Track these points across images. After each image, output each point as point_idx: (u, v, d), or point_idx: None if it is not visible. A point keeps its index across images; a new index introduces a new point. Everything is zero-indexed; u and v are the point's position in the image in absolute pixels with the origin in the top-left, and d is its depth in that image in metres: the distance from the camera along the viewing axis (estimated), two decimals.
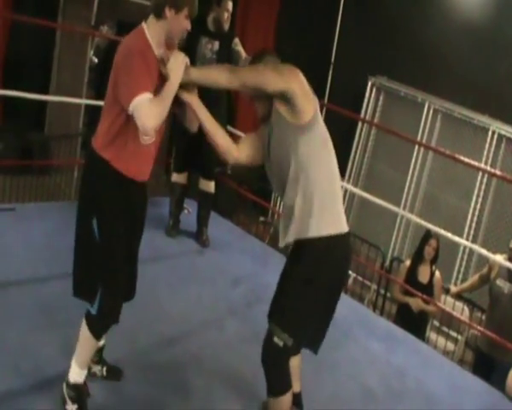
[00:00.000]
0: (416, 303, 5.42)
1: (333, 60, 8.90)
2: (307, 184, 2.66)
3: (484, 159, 7.41)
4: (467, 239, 7.24)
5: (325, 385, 3.63)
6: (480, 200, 7.50)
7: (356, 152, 8.65)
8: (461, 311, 6.20)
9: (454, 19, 7.77)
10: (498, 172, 6.43)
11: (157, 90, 2.58)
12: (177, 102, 2.70)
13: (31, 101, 5.40)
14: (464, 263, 7.53)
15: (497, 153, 7.42)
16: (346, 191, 7.92)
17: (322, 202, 2.68)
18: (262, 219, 8.84)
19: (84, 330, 2.79)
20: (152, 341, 3.62)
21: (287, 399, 2.78)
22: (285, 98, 2.63)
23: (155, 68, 2.61)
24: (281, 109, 2.67)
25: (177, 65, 2.62)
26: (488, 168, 6.90)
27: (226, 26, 4.84)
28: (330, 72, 8.91)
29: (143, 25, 2.66)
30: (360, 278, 7.24)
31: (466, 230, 7.51)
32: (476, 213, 7.52)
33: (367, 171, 8.66)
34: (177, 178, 5.17)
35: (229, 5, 4.81)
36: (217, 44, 4.83)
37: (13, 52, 7.12)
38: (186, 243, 5.13)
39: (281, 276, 2.84)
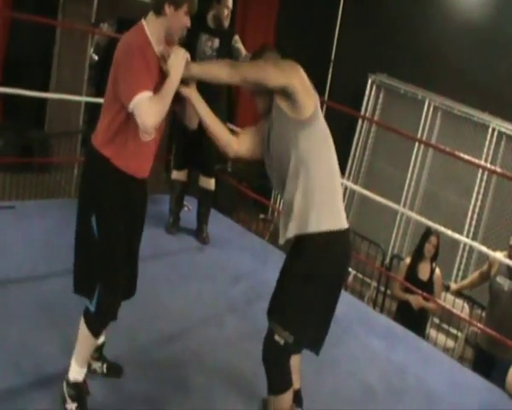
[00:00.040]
0: (416, 300, 5.43)
1: (333, 57, 8.90)
2: (307, 179, 2.65)
3: (484, 156, 7.41)
4: (467, 236, 7.23)
5: (325, 382, 3.63)
6: (480, 197, 7.50)
7: (356, 149, 8.65)
8: (461, 308, 6.20)
9: (454, 16, 7.77)
10: (498, 170, 6.42)
11: (157, 87, 2.58)
12: (178, 99, 2.69)
13: (31, 98, 5.41)
14: (464, 260, 7.53)
15: (497, 150, 7.42)
16: (346, 189, 7.93)
17: (322, 197, 2.68)
18: (262, 216, 8.84)
19: (83, 328, 2.79)
20: (152, 338, 3.62)
21: (287, 397, 2.78)
22: (286, 94, 2.63)
23: (155, 65, 2.61)
24: (281, 104, 2.66)
25: (178, 61, 2.62)
26: (488, 166, 6.89)
27: (226, 24, 4.84)
28: (330, 69, 8.90)
29: (143, 21, 2.66)
30: (360, 276, 7.25)
31: (466, 227, 7.51)
32: (476, 210, 7.52)
33: (367, 168, 8.65)
34: (177, 175, 5.17)
35: (229, 2, 4.80)
36: (217, 42, 4.82)
37: (13, 50, 7.11)
38: (186, 241, 5.13)
39: (280, 272, 2.83)
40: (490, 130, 7.40)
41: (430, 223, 5.26)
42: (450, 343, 6.37)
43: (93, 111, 6.92)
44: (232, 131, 2.93)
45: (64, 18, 7.52)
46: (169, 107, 2.61)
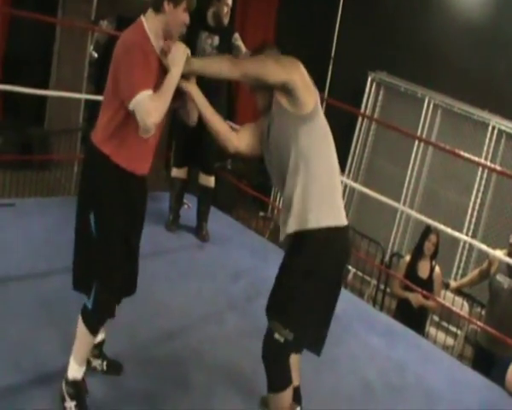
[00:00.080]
0: (415, 298, 5.43)
1: (333, 55, 8.89)
2: (307, 175, 2.65)
3: (484, 154, 7.41)
4: (467, 234, 7.24)
5: (325, 380, 3.64)
6: (479, 195, 7.50)
7: (356, 147, 8.65)
8: (460, 306, 6.20)
9: (454, 14, 7.77)
10: (498, 168, 6.43)
11: (157, 84, 2.58)
12: (178, 94, 2.69)
13: (31, 96, 5.40)
14: (464, 258, 7.53)
15: (496, 148, 7.42)
16: (345, 186, 7.93)
17: (322, 193, 2.68)
18: (262, 214, 8.84)
19: (81, 326, 2.79)
20: (152, 335, 3.62)
21: (287, 395, 2.78)
22: (286, 90, 2.63)
23: (155, 61, 2.61)
24: (282, 100, 2.66)
25: (179, 56, 2.62)
26: (488, 163, 6.88)
27: (226, 21, 4.83)
28: (330, 67, 8.89)
29: (142, 19, 2.67)
30: (360, 273, 7.25)
31: (466, 225, 7.52)
32: (476, 208, 7.53)
33: (367, 166, 8.65)
34: (176, 172, 5.17)
35: None
36: (217, 39, 4.82)
37: (13, 47, 7.11)
38: (186, 238, 5.13)
39: (279, 269, 2.80)
40: (490, 128, 7.40)
41: (430, 221, 5.26)
42: (450, 341, 6.37)
43: (93, 108, 6.91)
44: (232, 129, 2.93)
45: (64, 15, 7.53)
46: (169, 103, 2.61)
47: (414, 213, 6.33)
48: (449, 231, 5.02)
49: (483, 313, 5.61)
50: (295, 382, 2.96)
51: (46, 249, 4.20)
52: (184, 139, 4.99)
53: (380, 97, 8.47)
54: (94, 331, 2.82)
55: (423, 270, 5.54)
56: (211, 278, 4.54)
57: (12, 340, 3.18)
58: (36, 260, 4.04)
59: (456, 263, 7.54)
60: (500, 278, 4.93)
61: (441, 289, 5.76)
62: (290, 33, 8.75)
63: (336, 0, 8.72)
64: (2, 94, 6.66)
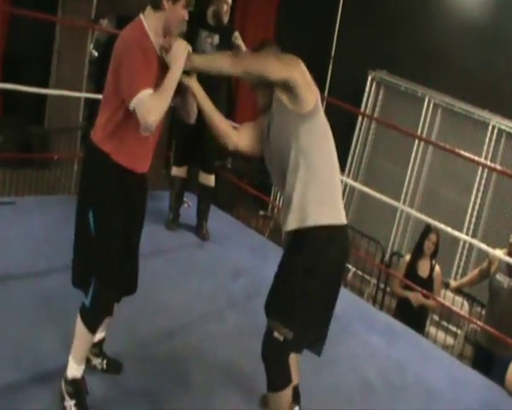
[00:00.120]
0: (415, 298, 5.43)
1: (333, 54, 8.89)
2: (307, 173, 2.64)
3: (484, 153, 7.41)
4: (467, 234, 7.24)
5: (325, 379, 3.63)
6: (479, 194, 7.50)
7: (356, 146, 8.65)
8: (460, 305, 6.21)
9: (454, 13, 7.76)
10: (498, 167, 6.43)
11: (158, 81, 2.58)
12: (179, 90, 2.68)
13: (30, 94, 5.40)
14: (464, 258, 7.53)
15: (497, 148, 7.42)
16: (345, 185, 7.93)
17: (322, 191, 2.67)
18: (262, 212, 8.84)
19: (79, 325, 2.79)
20: (152, 334, 3.62)
21: (286, 394, 2.77)
22: (287, 87, 2.62)
23: (155, 59, 2.61)
24: (282, 98, 2.66)
25: (180, 53, 2.62)
26: (488, 163, 6.89)
27: (225, 19, 4.82)
28: (330, 66, 8.89)
29: (141, 17, 2.66)
30: (360, 273, 7.24)
31: (466, 224, 7.52)
32: (476, 207, 7.52)
33: (367, 165, 8.65)
34: (176, 171, 5.16)
35: None
36: (217, 38, 4.81)
37: (13, 46, 7.11)
38: (186, 237, 5.13)
39: (279, 267, 2.79)
40: (490, 127, 7.40)
41: (430, 220, 5.27)
42: (450, 341, 6.38)
43: (93, 107, 6.93)
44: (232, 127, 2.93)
45: (64, 14, 7.52)
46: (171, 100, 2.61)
47: (414, 213, 6.34)
48: (449, 230, 5.03)
49: (483, 312, 5.61)
50: (294, 381, 2.95)
51: (46, 248, 4.20)
52: (184, 138, 4.99)
53: (380, 96, 8.47)
54: (92, 330, 2.82)
55: (423, 269, 5.54)
56: (211, 277, 4.54)
57: (12, 338, 3.18)
58: (36, 259, 4.04)
59: (456, 262, 7.53)
60: (500, 277, 4.93)
61: (441, 289, 5.76)
62: (290, 32, 8.74)
63: None
64: (2, 92, 6.67)
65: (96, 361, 3.12)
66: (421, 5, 7.96)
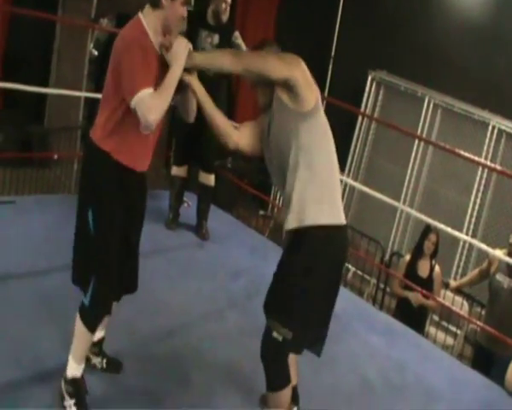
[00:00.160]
0: (415, 298, 5.43)
1: (333, 54, 8.89)
2: (307, 172, 2.64)
3: (484, 154, 7.41)
4: (466, 234, 7.24)
5: (324, 379, 3.63)
6: (479, 195, 7.51)
7: (356, 146, 8.65)
8: (460, 306, 6.20)
9: (454, 13, 7.76)
10: (498, 167, 6.43)
11: (158, 80, 2.58)
12: (179, 88, 2.68)
13: (30, 93, 5.40)
14: (464, 258, 7.53)
15: (497, 148, 7.42)
16: (345, 185, 7.94)
17: (322, 191, 2.67)
18: (262, 212, 8.85)
19: (79, 324, 2.79)
20: (152, 333, 3.62)
21: (286, 393, 2.77)
22: (287, 86, 2.62)
23: (154, 58, 2.61)
24: (283, 96, 2.66)
25: (181, 51, 2.61)
26: (488, 163, 6.89)
27: (225, 18, 4.80)
28: (330, 66, 8.89)
29: (140, 15, 2.66)
30: (360, 272, 7.25)
31: (466, 224, 7.52)
32: (476, 207, 7.53)
33: (367, 165, 8.65)
34: (176, 171, 5.16)
35: None
36: (216, 38, 4.81)
37: (13, 45, 7.10)
38: (186, 236, 5.13)
39: (278, 266, 2.78)
40: (490, 127, 7.41)
41: (430, 220, 5.27)
42: (450, 341, 6.37)
43: (93, 106, 6.91)
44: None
45: (64, 13, 7.51)
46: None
47: (414, 213, 6.34)
48: (449, 230, 5.03)
49: (483, 312, 5.61)
50: (293, 381, 2.95)
51: (46, 247, 4.20)
52: (184, 137, 4.99)
53: (380, 96, 8.47)
54: (92, 329, 2.82)
55: (423, 269, 5.54)
56: (211, 277, 4.54)
57: (12, 337, 3.18)
58: (36, 258, 4.04)
59: (455, 262, 7.54)
60: (500, 277, 4.93)
61: (441, 289, 5.76)
62: (290, 32, 8.74)
63: None
64: (2, 91, 6.66)
65: (96, 360, 3.12)
66: (421, 5, 7.96)
